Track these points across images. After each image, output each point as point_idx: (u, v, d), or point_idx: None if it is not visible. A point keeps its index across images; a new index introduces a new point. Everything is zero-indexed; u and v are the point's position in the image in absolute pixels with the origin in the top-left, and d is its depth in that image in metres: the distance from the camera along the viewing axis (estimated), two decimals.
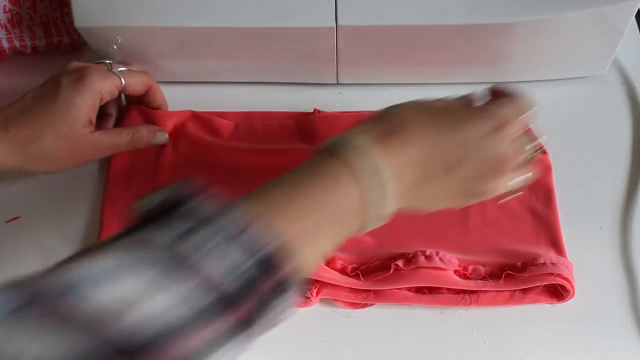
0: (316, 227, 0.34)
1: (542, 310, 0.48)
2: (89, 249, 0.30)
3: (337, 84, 0.58)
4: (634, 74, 0.58)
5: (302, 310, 0.48)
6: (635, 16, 0.57)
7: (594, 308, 0.48)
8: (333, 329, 0.48)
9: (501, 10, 0.49)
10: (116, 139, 0.52)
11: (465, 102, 0.43)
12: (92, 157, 0.52)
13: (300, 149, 0.54)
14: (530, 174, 0.44)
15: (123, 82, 0.51)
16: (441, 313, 0.48)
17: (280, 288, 0.31)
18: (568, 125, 0.55)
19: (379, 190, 0.36)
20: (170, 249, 0.29)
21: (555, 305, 0.48)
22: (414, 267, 0.47)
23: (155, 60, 0.56)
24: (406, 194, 0.38)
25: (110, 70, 0.51)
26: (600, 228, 0.51)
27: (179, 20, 0.51)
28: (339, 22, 0.50)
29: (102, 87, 0.50)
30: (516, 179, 0.43)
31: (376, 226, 0.38)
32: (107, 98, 0.51)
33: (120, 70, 0.52)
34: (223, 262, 0.29)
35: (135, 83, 0.53)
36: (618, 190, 0.52)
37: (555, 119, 0.55)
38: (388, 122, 0.39)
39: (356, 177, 0.36)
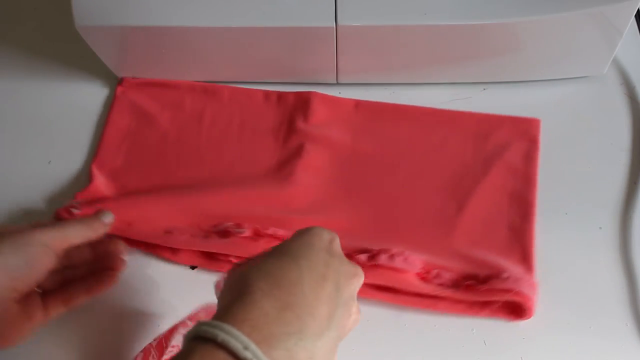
0: None
1: (542, 310, 0.48)
2: None
3: (337, 84, 0.58)
4: (634, 74, 0.58)
5: None
6: (635, 16, 0.57)
7: (594, 308, 0.48)
8: None
9: (501, 10, 0.49)
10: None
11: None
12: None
13: (291, 131, 0.55)
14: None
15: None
16: (441, 313, 0.48)
17: None
18: (568, 125, 0.55)
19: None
20: None
21: (515, 322, 0.47)
22: (374, 263, 0.47)
23: (155, 60, 0.56)
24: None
25: None
26: (600, 228, 0.51)
27: (179, 20, 0.51)
28: (339, 22, 0.50)
29: None
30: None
31: None
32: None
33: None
34: None
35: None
36: (618, 190, 0.52)
37: (555, 119, 0.56)
38: (237, 290, 0.33)
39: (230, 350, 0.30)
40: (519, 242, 0.49)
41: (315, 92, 0.57)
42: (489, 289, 0.46)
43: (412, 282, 0.47)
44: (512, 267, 0.47)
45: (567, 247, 0.50)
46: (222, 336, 0.29)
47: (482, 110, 0.56)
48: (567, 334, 0.47)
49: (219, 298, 0.36)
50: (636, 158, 0.54)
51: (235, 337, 0.29)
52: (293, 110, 0.57)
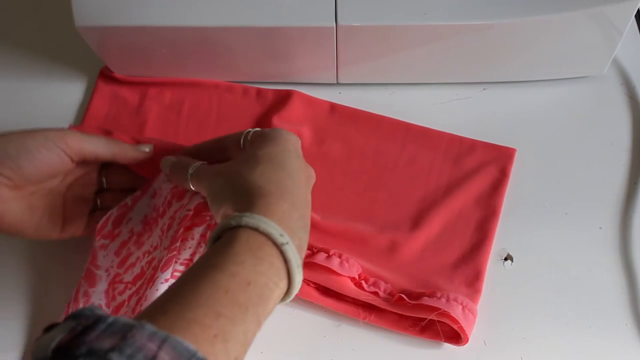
0: (238, 316, 0.33)
1: (542, 310, 0.48)
2: None
3: (337, 84, 0.58)
4: (634, 74, 0.58)
5: (301, 310, 0.48)
6: (635, 16, 0.57)
7: (594, 308, 0.48)
8: (333, 328, 0.48)
9: (501, 11, 0.49)
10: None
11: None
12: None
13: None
14: None
15: None
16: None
17: None
18: (568, 125, 0.55)
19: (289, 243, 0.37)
20: None
21: (457, 346, 0.46)
22: (310, 260, 0.47)
23: (154, 60, 0.56)
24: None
25: None
26: (600, 228, 0.51)
27: (178, 20, 0.51)
28: (339, 22, 0.50)
29: None
30: None
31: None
32: None
33: None
34: None
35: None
36: (618, 190, 0.52)
37: (555, 119, 0.56)
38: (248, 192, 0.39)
39: (269, 239, 0.36)
40: (468, 268, 0.48)
41: (295, 90, 0.57)
42: (416, 304, 0.45)
43: (346, 285, 0.47)
44: (452, 290, 0.47)
45: (567, 247, 0.50)
46: (263, 225, 0.36)
47: (482, 111, 0.56)
48: (567, 334, 0.47)
49: (218, 193, 0.41)
50: (636, 158, 0.54)
51: (272, 227, 0.36)
52: (270, 106, 0.57)
